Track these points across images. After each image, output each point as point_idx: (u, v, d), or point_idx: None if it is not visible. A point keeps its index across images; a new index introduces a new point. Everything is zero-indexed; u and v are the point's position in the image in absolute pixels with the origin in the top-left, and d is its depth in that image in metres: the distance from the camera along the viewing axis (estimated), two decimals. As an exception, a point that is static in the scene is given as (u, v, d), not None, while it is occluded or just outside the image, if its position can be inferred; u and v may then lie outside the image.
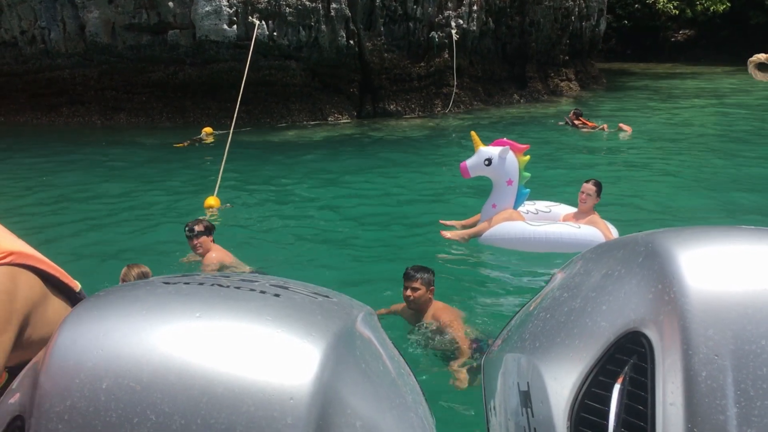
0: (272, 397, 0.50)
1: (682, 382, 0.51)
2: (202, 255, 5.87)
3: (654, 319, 0.56)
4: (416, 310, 4.82)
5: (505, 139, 6.93)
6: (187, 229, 5.85)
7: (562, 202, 7.38)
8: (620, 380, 0.56)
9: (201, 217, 6.37)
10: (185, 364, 0.51)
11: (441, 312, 4.83)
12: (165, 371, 0.51)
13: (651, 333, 0.55)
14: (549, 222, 6.79)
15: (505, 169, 6.72)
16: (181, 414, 0.49)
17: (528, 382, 0.65)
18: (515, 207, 6.88)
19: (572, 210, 7.02)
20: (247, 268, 6.04)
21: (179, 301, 0.57)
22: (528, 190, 6.96)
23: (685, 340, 0.53)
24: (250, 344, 0.54)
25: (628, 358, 0.56)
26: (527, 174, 6.85)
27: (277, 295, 0.60)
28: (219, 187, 8.85)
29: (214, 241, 5.95)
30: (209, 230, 5.92)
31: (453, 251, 6.89)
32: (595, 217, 6.68)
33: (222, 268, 5.86)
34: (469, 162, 6.79)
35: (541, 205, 7.31)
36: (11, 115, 16.20)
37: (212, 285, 0.61)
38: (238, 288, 0.61)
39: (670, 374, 0.52)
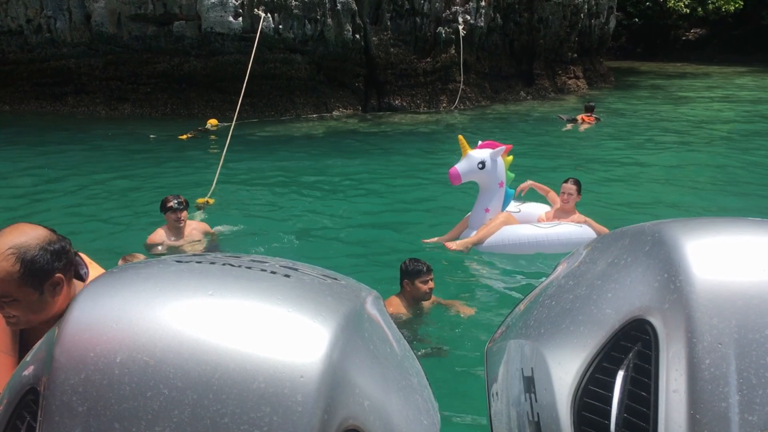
0: (283, 375, 0.51)
1: (686, 369, 0.52)
2: (182, 228, 6.10)
3: (659, 307, 0.56)
4: (422, 302, 5.07)
5: (491, 140, 6.80)
6: (176, 202, 6.00)
7: (529, 202, 7.32)
8: (624, 367, 0.56)
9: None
10: (198, 340, 0.52)
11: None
12: (178, 347, 0.51)
13: (656, 321, 0.56)
14: (554, 223, 6.68)
15: (498, 171, 6.58)
16: (194, 389, 0.50)
17: (532, 368, 0.65)
18: (502, 209, 6.79)
19: (543, 208, 6.96)
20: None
21: (192, 278, 0.58)
22: (513, 191, 6.86)
23: (690, 328, 0.53)
24: (261, 323, 0.54)
25: (632, 345, 0.57)
26: (512, 174, 6.75)
27: (287, 276, 0.61)
28: (217, 181, 8.83)
29: None
30: (187, 204, 6.25)
31: (446, 253, 6.81)
32: (579, 215, 6.71)
33: (202, 239, 6.33)
34: (461, 167, 6.48)
35: (511, 206, 7.15)
36: (16, 104, 16.23)
37: (223, 264, 0.61)
38: (249, 268, 0.61)
39: (674, 361, 0.53)
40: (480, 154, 6.51)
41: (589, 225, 6.59)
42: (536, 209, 7.08)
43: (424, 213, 8.39)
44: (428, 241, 6.90)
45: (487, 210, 6.66)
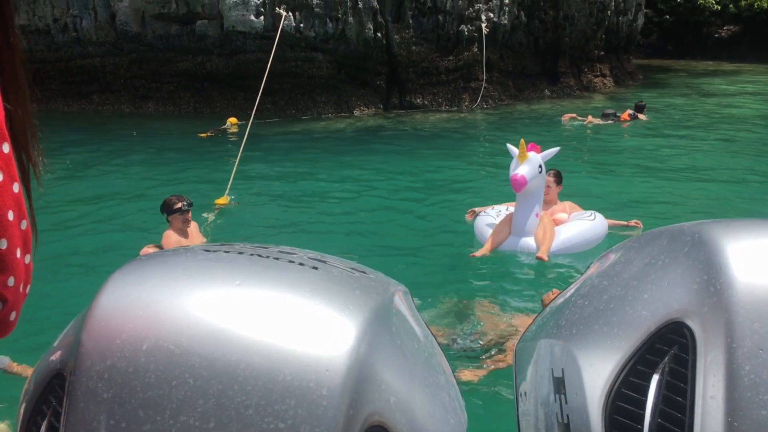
0: (308, 368, 0.51)
1: (725, 375, 0.51)
2: (187, 229, 6.07)
3: (698, 310, 0.55)
4: None
5: (532, 143, 6.56)
6: (184, 203, 5.95)
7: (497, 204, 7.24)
8: (659, 371, 0.55)
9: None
10: (224, 330, 0.52)
11: None
12: (204, 336, 0.51)
13: (694, 324, 0.55)
14: (589, 213, 6.75)
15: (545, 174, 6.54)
16: (219, 379, 0.50)
17: (563, 369, 0.64)
18: None
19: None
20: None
21: (220, 268, 0.58)
22: None
23: (730, 332, 0.52)
24: (288, 314, 0.54)
25: (668, 349, 0.56)
26: None
27: (315, 268, 0.60)
28: (233, 179, 8.87)
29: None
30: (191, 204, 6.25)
31: (468, 249, 6.72)
32: (563, 203, 6.97)
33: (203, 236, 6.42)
34: (527, 172, 6.10)
35: (500, 208, 7.03)
36: (43, 102, 16.47)
37: (251, 254, 0.61)
38: (277, 259, 0.61)
39: (712, 367, 0.52)
40: (538, 157, 6.30)
41: (574, 209, 6.92)
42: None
43: (449, 211, 8.31)
44: (477, 254, 6.45)
45: (537, 215, 6.45)
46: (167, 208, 5.96)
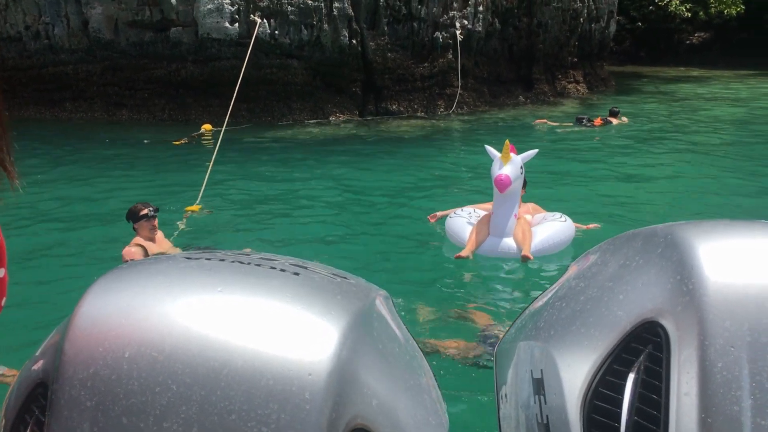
0: (291, 372, 0.51)
1: (698, 372, 0.52)
2: (155, 236, 6.02)
3: (671, 310, 0.56)
4: None
5: (511, 145, 6.59)
6: (151, 209, 5.94)
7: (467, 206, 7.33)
8: (635, 369, 0.57)
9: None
10: (206, 337, 0.52)
11: None
12: (186, 342, 0.52)
13: (668, 323, 0.56)
14: (558, 215, 6.84)
15: None
16: (201, 385, 0.50)
17: (541, 370, 0.65)
18: None
19: (486, 204, 6.93)
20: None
21: (201, 275, 0.58)
22: None
23: (702, 330, 0.53)
24: (270, 320, 0.54)
25: (643, 348, 0.57)
26: None
27: (296, 274, 0.61)
28: (206, 186, 8.82)
29: None
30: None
31: (446, 253, 6.76)
32: (528, 205, 7.03)
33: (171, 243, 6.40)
34: (512, 173, 6.13)
35: (468, 209, 7.09)
36: (15, 110, 16.26)
37: (233, 262, 0.61)
38: (258, 265, 0.61)
39: (686, 364, 0.53)
40: (520, 158, 6.32)
41: (537, 210, 7.05)
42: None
43: (426, 216, 8.38)
44: (462, 255, 6.39)
45: (516, 216, 6.47)
46: (133, 216, 5.92)
